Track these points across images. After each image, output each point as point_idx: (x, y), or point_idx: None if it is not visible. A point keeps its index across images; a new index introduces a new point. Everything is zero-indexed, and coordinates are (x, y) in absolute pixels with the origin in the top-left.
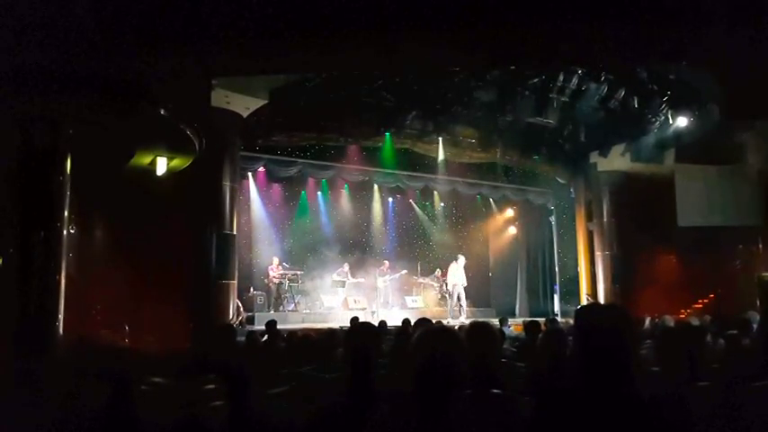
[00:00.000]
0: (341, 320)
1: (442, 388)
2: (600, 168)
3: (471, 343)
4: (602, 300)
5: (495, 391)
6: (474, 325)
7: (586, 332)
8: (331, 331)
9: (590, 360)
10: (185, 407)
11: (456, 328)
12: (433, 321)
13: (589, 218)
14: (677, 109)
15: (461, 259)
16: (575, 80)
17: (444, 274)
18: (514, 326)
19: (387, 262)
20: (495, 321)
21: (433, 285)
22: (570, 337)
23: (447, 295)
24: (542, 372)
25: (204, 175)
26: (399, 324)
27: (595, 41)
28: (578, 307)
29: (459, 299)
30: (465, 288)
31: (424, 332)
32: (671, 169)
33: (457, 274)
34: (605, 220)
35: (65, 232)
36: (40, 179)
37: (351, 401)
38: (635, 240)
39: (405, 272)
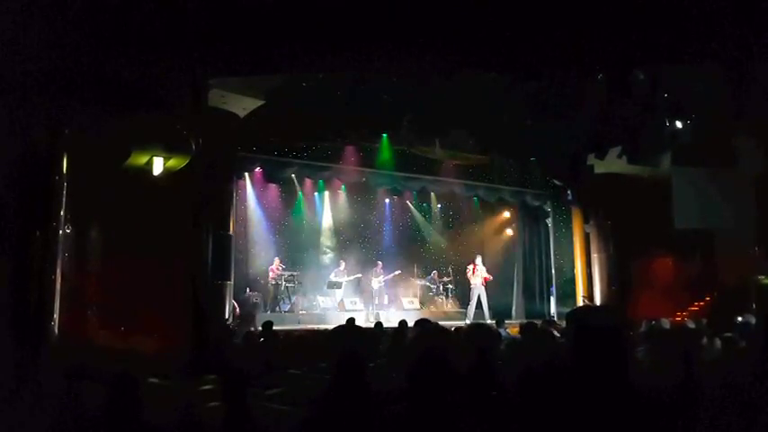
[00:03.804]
0: (337, 322)
1: (438, 388)
2: (596, 170)
3: (470, 344)
4: (598, 302)
5: (491, 392)
6: (474, 326)
7: (579, 333)
8: (327, 333)
9: (583, 361)
10: (182, 407)
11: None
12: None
13: (586, 220)
14: (674, 111)
15: (480, 258)
16: (572, 82)
17: (442, 275)
18: (511, 327)
19: (380, 263)
20: (492, 323)
21: (430, 287)
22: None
23: (446, 295)
24: (538, 373)
25: (201, 175)
26: (395, 325)
27: (593, 43)
28: (571, 309)
29: (480, 300)
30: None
31: (420, 332)
32: (668, 172)
33: (481, 274)
34: (602, 222)
35: (61, 232)
36: (37, 179)
37: (346, 402)
38: (631, 243)
39: (398, 272)
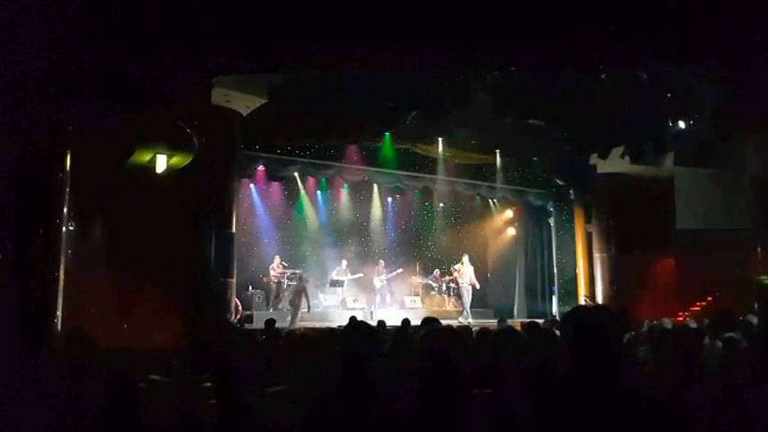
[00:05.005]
0: (339, 320)
1: (444, 388)
2: (599, 170)
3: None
4: (600, 302)
5: (493, 392)
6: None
7: (574, 333)
8: (329, 330)
9: (579, 361)
10: (183, 404)
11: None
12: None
13: (588, 219)
14: (677, 112)
15: (466, 258)
16: (575, 82)
17: (444, 274)
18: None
19: (382, 261)
20: (494, 322)
21: (431, 285)
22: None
23: (449, 294)
24: (538, 373)
25: (204, 173)
26: (398, 324)
27: (596, 43)
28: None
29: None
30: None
31: (430, 332)
32: (670, 172)
33: (468, 273)
34: (604, 221)
35: (64, 230)
36: (39, 177)
37: (348, 401)
38: (633, 242)
39: (400, 270)
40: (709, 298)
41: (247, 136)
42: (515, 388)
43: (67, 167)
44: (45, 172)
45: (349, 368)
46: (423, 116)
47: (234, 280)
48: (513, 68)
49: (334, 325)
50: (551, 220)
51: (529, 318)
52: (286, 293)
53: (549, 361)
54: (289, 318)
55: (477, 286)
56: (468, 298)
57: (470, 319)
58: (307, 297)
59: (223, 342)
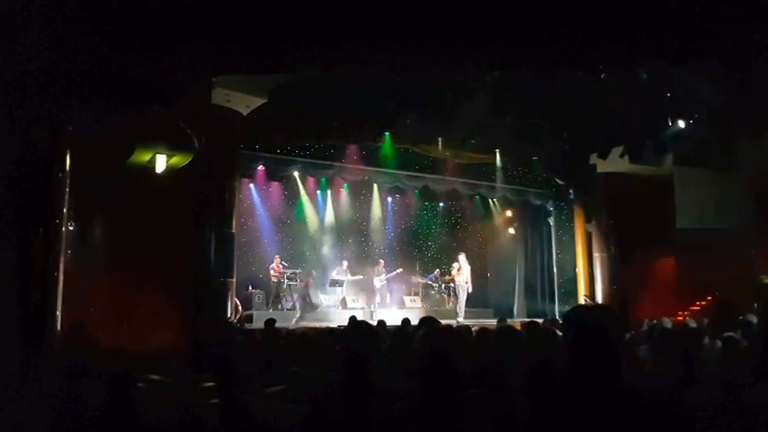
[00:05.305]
0: (339, 320)
1: (444, 388)
2: (599, 170)
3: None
4: (600, 301)
5: (494, 391)
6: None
7: (574, 333)
8: (329, 330)
9: (579, 361)
10: (183, 404)
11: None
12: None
13: (588, 219)
14: (677, 112)
15: (463, 256)
16: (575, 82)
17: (444, 274)
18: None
19: (382, 261)
20: (494, 322)
21: (431, 285)
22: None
23: (448, 294)
24: (538, 372)
25: (204, 173)
26: (398, 324)
27: (596, 43)
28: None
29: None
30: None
31: (430, 332)
32: (670, 172)
33: (466, 273)
34: (604, 221)
35: (64, 230)
36: (39, 176)
37: (348, 401)
38: (633, 242)
39: (400, 270)
40: (709, 297)
41: (247, 136)
42: (515, 388)
43: (67, 167)
44: (45, 172)
45: (349, 368)
46: (423, 116)
47: (234, 280)
48: (513, 68)
49: (334, 325)
50: (551, 220)
51: (529, 318)
52: (287, 293)
53: (549, 361)
54: (297, 314)
55: (470, 289)
56: (463, 296)
57: (461, 318)
58: (309, 292)
59: (223, 342)
